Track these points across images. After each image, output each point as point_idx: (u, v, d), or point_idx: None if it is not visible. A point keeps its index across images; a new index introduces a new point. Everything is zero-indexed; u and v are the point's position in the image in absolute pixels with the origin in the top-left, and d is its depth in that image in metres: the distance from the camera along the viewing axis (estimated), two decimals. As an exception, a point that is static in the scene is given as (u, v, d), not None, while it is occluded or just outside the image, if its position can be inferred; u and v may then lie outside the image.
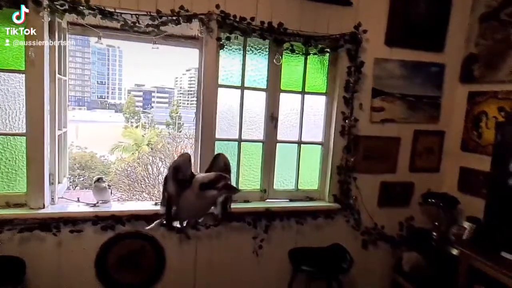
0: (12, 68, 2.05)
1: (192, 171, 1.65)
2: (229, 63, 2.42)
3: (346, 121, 2.56)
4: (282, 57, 2.44)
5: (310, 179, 2.72)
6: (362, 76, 2.54)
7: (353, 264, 2.30)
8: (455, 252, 2.30)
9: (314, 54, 2.51)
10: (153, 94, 59.02)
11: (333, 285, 2.32)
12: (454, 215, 2.59)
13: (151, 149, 15.32)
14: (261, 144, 2.56)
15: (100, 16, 2.01)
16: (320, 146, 2.68)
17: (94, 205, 2.29)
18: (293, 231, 2.58)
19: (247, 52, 2.43)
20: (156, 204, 2.33)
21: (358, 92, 2.55)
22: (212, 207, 1.73)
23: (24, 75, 2.02)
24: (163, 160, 11.57)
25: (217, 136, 2.42)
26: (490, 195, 2.28)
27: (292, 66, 2.56)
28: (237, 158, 2.51)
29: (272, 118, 2.52)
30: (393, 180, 2.76)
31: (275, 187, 2.62)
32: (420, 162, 2.80)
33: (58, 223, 2.13)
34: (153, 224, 1.80)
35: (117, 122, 34.02)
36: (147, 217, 2.20)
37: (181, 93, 57.62)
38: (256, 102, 2.52)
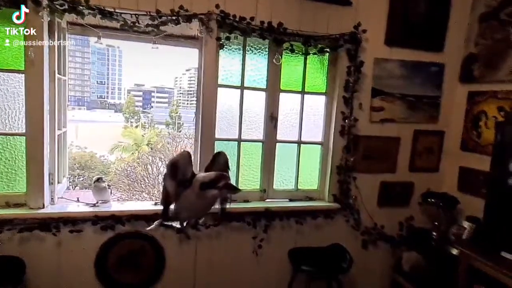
0: (12, 68, 2.05)
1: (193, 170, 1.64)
2: (228, 63, 2.42)
3: (346, 121, 2.56)
4: (281, 57, 2.44)
5: (310, 179, 2.72)
6: (362, 76, 2.54)
7: (353, 264, 2.30)
8: (455, 252, 2.30)
9: (314, 54, 2.51)
10: (152, 94, 59.02)
11: (333, 285, 2.33)
12: (454, 215, 2.59)
13: (151, 149, 15.32)
14: (260, 144, 2.56)
15: (100, 16, 2.01)
16: (319, 146, 2.68)
17: (94, 205, 2.29)
18: (293, 231, 2.58)
19: (246, 52, 2.43)
20: (156, 204, 2.33)
21: (358, 92, 2.55)
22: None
23: (23, 75, 2.02)
24: (163, 160, 11.54)
25: (216, 136, 2.42)
26: (490, 195, 2.28)
27: (291, 66, 2.56)
28: (236, 158, 2.51)
29: (271, 118, 2.52)
30: (393, 180, 2.77)
31: (274, 187, 2.62)
32: (420, 162, 2.80)
33: (57, 223, 2.13)
34: (153, 225, 1.79)
35: (117, 122, 34.00)
36: (147, 217, 2.20)
37: (180, 93, 57.55)
38: (256, 102, 2.52)
